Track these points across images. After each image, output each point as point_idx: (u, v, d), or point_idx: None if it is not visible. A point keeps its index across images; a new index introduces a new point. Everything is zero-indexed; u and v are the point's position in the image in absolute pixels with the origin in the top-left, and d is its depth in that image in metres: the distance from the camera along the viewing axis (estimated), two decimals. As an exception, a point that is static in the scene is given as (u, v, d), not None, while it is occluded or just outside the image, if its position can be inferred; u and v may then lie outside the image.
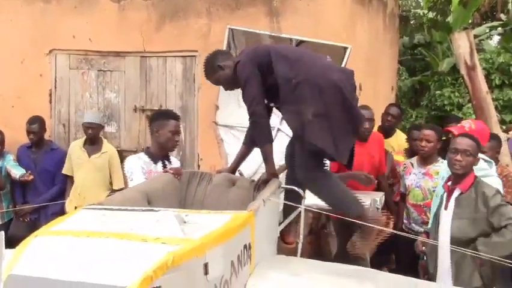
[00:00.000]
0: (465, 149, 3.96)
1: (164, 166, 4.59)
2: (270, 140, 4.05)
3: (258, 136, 4.11)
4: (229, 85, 4.35)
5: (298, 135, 3.96)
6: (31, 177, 6.03)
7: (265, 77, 4.00)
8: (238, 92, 5.33)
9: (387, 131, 6.15)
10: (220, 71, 4.21)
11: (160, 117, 4.70)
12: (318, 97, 3.85)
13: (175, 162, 4.81)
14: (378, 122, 6.17)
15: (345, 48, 5.06)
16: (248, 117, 4.03)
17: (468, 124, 4.59)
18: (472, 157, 3.98)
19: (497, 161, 5.06)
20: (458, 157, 3.97)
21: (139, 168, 4.44)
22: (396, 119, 6.27)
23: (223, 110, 5.18)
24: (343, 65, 5.01)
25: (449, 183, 4.11)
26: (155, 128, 4.62)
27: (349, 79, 4.04)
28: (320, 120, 3.83)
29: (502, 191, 4.29)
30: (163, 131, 4.57)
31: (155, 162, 4.58)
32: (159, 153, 4.62)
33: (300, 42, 5.31)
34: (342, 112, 3.86)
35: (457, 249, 3.70)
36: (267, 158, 4.10)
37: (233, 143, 5.10)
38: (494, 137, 5.10)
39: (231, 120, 5.19)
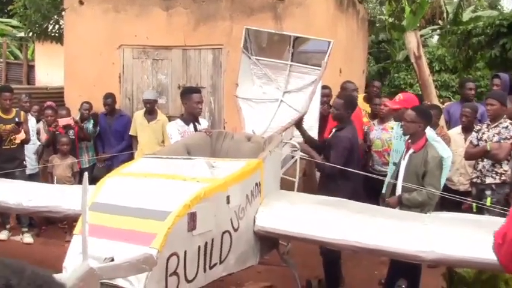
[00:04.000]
0: (406, 118, 3.92)
1: (195, 127, 4.53)
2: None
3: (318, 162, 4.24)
4: (338, 117, 4.36)
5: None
6: None
7: None
8: (252, 73, 5.21)
9: (371, 98, 5.98)
10: (337, 111, 4.32)
11: (186, 93, 4.65)
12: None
13: (203, 123, 4.72)
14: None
15: (329, 42, 4.89)
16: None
17: (398, 96, 4.60)
18: (413, 123, 3.88)
19: (438, 125, 4.91)
20: (404, 124, 3.97)
21: (176, 130, 4.40)
22: (379, 89, 6.35)
23: (241, 87, 5.08)
24: (327, 55, 4.82)
25: (409, 141, 4.02)
26: (184, 101, 4.59)
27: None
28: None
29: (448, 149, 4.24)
30: (190, 102, 4.51)
31: (188, 125, 4.51)
32: (189, 118, 4.55)
33: (296, 38, 5.14)
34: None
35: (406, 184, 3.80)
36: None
37: (248, 111, 5.01)
38: (436, 107, 4.95)
39: (247, 94, 5.08)
